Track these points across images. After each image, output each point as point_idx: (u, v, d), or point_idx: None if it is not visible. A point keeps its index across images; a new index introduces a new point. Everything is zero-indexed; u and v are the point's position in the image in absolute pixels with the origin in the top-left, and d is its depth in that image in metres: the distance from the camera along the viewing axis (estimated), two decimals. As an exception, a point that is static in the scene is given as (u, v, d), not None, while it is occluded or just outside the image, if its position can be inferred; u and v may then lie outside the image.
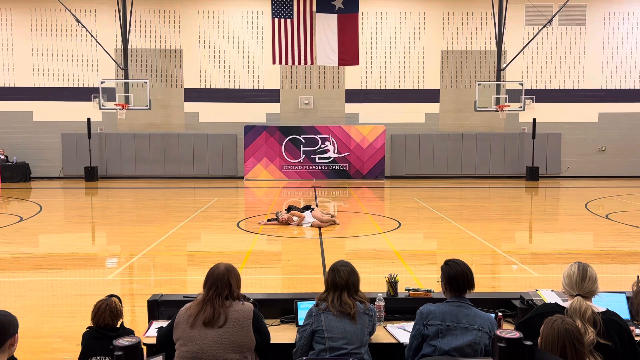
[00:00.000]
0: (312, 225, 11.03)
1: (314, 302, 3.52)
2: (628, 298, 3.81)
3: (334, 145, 21.66)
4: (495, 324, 3.28)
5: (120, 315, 3.64)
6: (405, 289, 4.18)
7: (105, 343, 3.33)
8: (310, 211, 11.26)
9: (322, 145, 21.67)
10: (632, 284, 3.74)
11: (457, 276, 3.30)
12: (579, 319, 2.89)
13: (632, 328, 3.18)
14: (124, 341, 2.71)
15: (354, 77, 22.20)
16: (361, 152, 21.66)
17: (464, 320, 3.18)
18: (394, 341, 3.65)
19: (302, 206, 11.92)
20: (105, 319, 3.54)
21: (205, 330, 3.18)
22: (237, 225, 11.43)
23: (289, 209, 11.44)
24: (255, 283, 7.23)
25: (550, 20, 19.35)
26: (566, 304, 3.12)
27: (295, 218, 11.11)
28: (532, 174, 21.25)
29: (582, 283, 3.16)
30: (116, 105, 20.16)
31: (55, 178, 21.87)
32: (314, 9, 19.35)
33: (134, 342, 2.72)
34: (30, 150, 21.78)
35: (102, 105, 20.53)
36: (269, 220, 11.46)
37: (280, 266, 8.31)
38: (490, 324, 3.21)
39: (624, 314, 3.61)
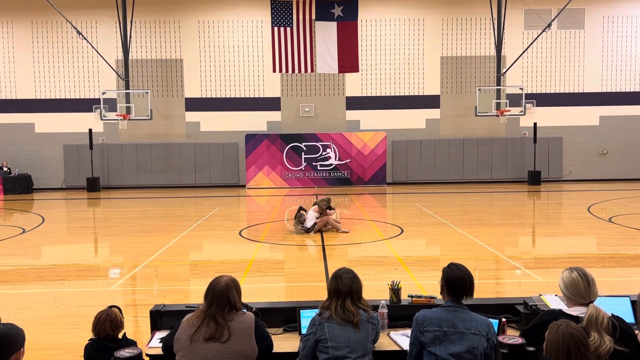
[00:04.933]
0: (315, 224, 11.00)
1: (317, 310, 3.50)
2: (632, 302, 3.76)
3: (335, 152, 21.67)
4: (492, 327, 3.24)
5: (121, 325, 3.61)
6: (409, 296, 4.16)
7: (107, 354, 3.29)
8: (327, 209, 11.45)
9: (324, 153, 21.68)
10: None
11: (455, 280, 3.27)
12: (595, 331, 2.81)
13: (636, 332, 3.15)
14: (125, 353, 2.70)
15: (354, 84, 22.24)
16: (362, 158, 21.66)
17: (461, 324, 3.15)
18: (397, 348, 3.62)
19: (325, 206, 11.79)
20: (106, 330, 3.52)
21: (207, 344, 3.16)
22: (239, 233, 11.42)
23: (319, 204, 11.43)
24: (258, 292, 7.21)
25: (549, 25, 19.38)
26: (573, 312, 3.06)
27: (332, 213, 11.57)
28: (534, 178, 21.23)
29: (590, 289, 3.09)
30: (117, 115, 20.23)
31: (57, 189, 21.91)
32: (314, 17, 19.44)
33: (135, 354, 2.71)
34: (33, 161, 21.84)
35: (104, 116, 20.62)
36: (304, 226, 11.17)
37: (282, 274, 8.28)
38: (487, 327, 3.18)
39: (629, 317, 3.58)
